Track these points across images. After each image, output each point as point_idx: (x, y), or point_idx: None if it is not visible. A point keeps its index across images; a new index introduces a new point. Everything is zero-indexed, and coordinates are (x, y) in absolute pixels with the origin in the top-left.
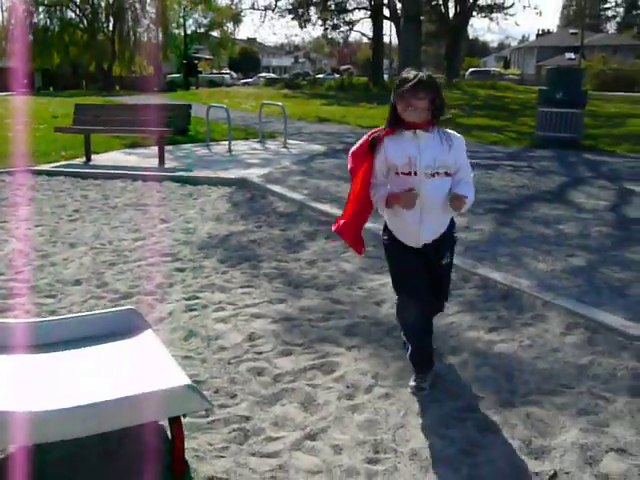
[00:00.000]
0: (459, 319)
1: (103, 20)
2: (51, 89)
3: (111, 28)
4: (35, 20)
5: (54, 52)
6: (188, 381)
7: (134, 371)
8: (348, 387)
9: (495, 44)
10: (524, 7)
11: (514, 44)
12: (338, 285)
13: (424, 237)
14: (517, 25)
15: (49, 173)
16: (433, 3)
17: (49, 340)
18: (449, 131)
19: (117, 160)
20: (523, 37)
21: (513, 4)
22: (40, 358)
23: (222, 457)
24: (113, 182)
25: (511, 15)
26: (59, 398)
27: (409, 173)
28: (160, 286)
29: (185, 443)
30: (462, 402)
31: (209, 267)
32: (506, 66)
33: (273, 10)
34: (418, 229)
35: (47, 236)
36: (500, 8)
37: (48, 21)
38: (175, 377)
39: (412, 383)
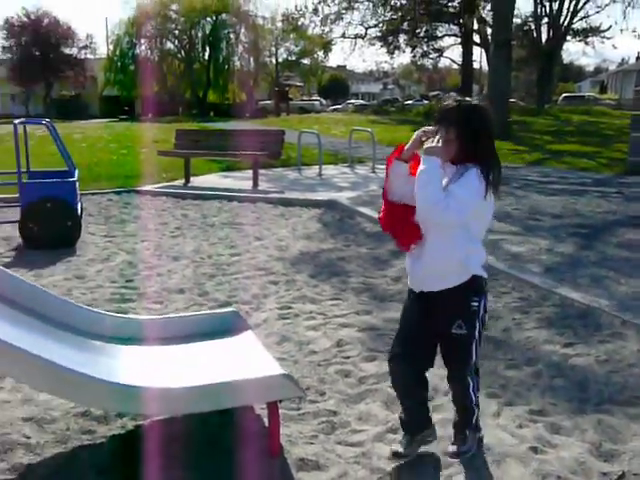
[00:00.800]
0: (536, 334)
1: (199, 50)
2: (150, 115)
3: (206, 57)
4: (137, 51)
5: (153, 81)
6: (284, 371)
7: (238, 362)
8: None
9: (591, 68)
10: (621, 31)
11: (612, 67)
12: None
13: (418, 276)
14: (615, 48)
15: (152, 193)
16: (525, 28)
17: (168, 334)
18: (473, 169)
19: (214, 182)
20: (622, 60)
21: (610, 27)
22: (162, 348)
23: (312, 444)
24: (210, 202)
25: (608, 38)
26: (181, 379)
27: None
28: (256, 296)
29: (280, 429)
30: (535, 406)
31: (301, 281)
32: (602, 91)
33: (363, 38)
34: (414, 262)
35: (152, 250)
36: (596, 31)
37: (149, 52)
38: (273, 368)
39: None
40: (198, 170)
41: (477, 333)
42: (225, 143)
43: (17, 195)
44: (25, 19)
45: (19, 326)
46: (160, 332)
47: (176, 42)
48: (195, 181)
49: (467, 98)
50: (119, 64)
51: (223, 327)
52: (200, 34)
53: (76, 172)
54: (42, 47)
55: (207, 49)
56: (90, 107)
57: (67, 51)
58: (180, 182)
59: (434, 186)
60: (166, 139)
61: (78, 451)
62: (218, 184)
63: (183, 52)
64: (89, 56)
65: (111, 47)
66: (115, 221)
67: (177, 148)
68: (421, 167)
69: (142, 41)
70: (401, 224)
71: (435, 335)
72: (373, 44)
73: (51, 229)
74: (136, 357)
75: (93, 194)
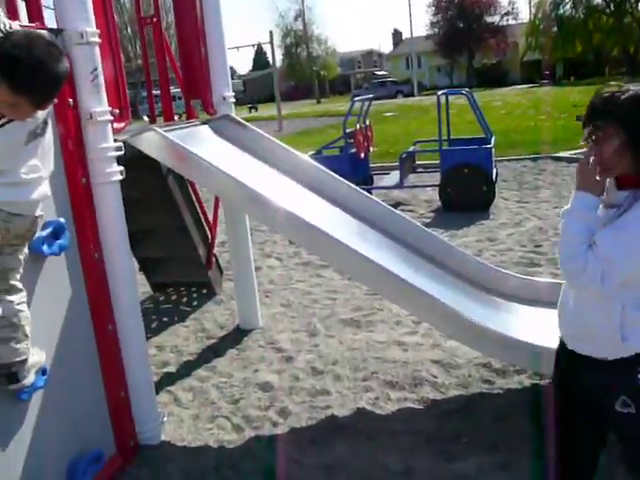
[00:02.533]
0: None
1: (632, 1)
2: (572, 78)
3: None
4: (560, 11)
5: (577, 41)
6: None
7: None
8: None
9: None
10: None
11: None
12: None
13: (562, 323)
14: None
15: (568, 160)
16: None
17: None
18: None
19: None
20: None
21: None
22: None
23: None
24: None
25: None
26: None
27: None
28: None
29: None
30: None
31: None
32: None
33: None
34: (561, 304)
35: None
36: None
37: (573, 10)
38: None
39: None
40: None
41: None
42: None
43: (438, 161)
44: None
45: (437, 280)
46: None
47: None
48: None
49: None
50: (541, 27)
51: None
52: None
53: (492, 139)
54: (466, 19)
55: None
56: (510, 74)
57: (489, 19)
58: None
59: (572, 236)
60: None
61: (477, 397)
62: None
63: (612, 6)
64: (511, 22)
65: (533, 10)
66: (529, 187)
67: None
68: (567, 206)
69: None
70: None
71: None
72: None
73: (467, 193)
74: (535, 317)
75: (509, 160)
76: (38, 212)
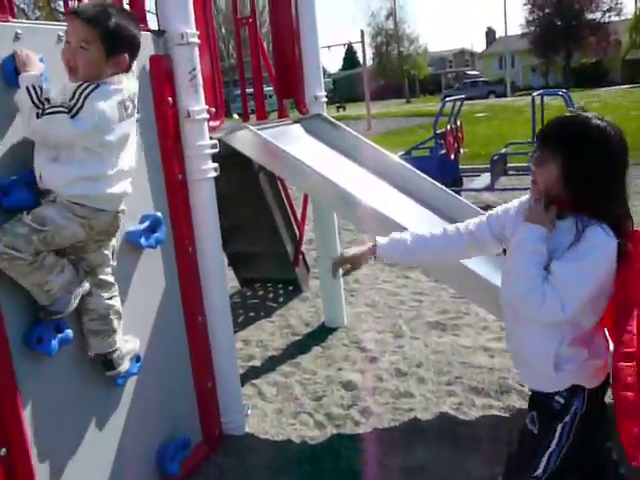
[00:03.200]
0: None
1: None
2: None
3: None
4: None
5: None
6: None
7: None
8: None
9: None
10: None
11: None
12: None
13: (514, 361)
14: None
15: None
16: None
17: None
18: (595, 228)
19: None
20: None
21: None
22: None
23: None
24: None
25: None
26: None
27: None
28: None
29: None
30: None
31: None
32: None
33: None
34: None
35: None
36: None
37: None
38: None
39: None
40: None
41: (555, 442)
42: None
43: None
44: None
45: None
46: None
47: None
48: None
49: (592, 114)
50: None
51: None
52: None
53: None
54: (565, 16)
55: None
56: (610, 73)
57: (590, 16)
58: None
59: (528, 270)
60: None
61: None
62: None
63: None
64: (614, 18)
65: (639, 5)
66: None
67: None
68: (516, 238)
69: None
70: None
71: None
72: None
73: None
74: None
75: None
76: (121, 207)
